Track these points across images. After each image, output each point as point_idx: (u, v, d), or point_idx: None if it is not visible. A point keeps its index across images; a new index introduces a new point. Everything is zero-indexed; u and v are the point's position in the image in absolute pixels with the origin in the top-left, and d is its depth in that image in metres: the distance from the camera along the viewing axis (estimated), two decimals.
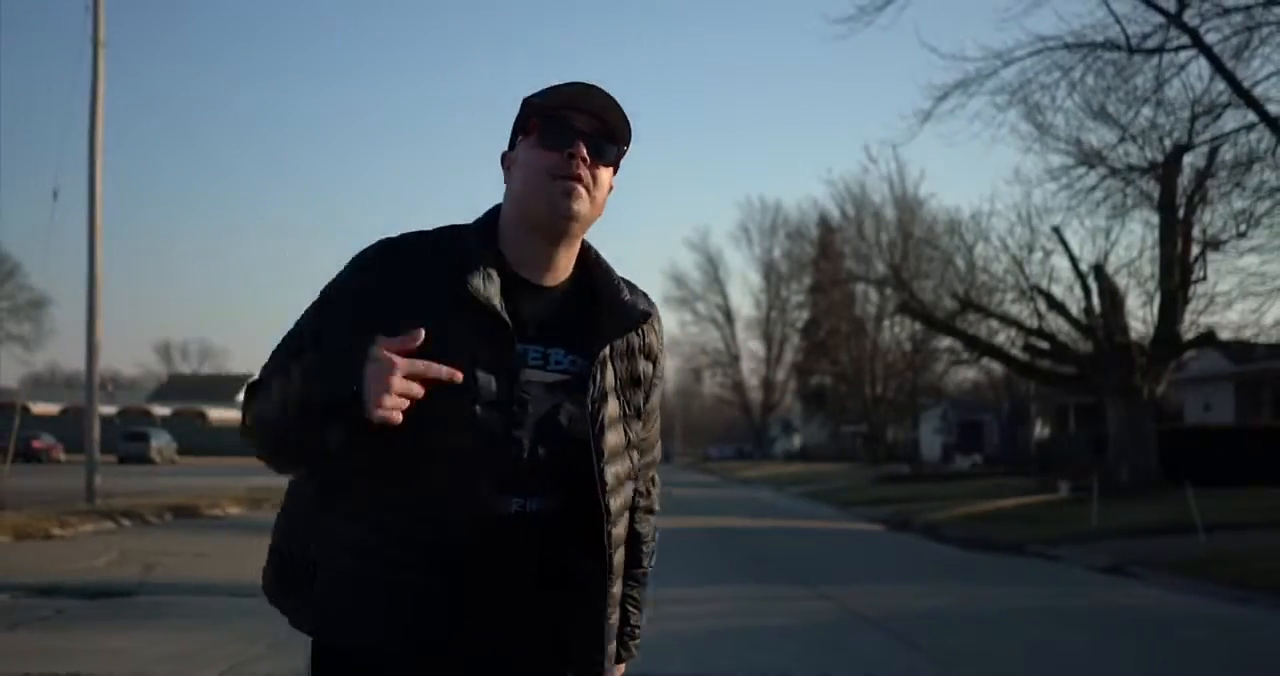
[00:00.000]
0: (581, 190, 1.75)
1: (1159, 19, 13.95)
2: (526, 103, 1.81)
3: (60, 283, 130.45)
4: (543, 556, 1.80)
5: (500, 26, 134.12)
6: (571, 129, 1.76)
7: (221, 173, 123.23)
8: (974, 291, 24.71)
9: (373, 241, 1.81)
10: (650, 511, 2.02)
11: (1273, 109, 14.64)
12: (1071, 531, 16.56)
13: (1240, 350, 25.21)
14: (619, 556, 1.88)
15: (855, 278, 43.25)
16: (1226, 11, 13.43)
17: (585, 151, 1.75)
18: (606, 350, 1.82)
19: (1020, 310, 23.54)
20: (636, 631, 2.03)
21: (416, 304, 1.71)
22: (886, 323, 50.02)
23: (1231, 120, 16.77)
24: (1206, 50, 13.83)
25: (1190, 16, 13.62)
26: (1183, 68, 14.95)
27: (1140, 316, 22.79)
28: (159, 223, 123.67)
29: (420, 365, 1.59)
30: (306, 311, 1.81)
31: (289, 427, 1.66)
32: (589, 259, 1.88)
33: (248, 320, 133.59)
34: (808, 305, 68.77)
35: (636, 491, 1.94)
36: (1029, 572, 13.07)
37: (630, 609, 1.99)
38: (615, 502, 1.83)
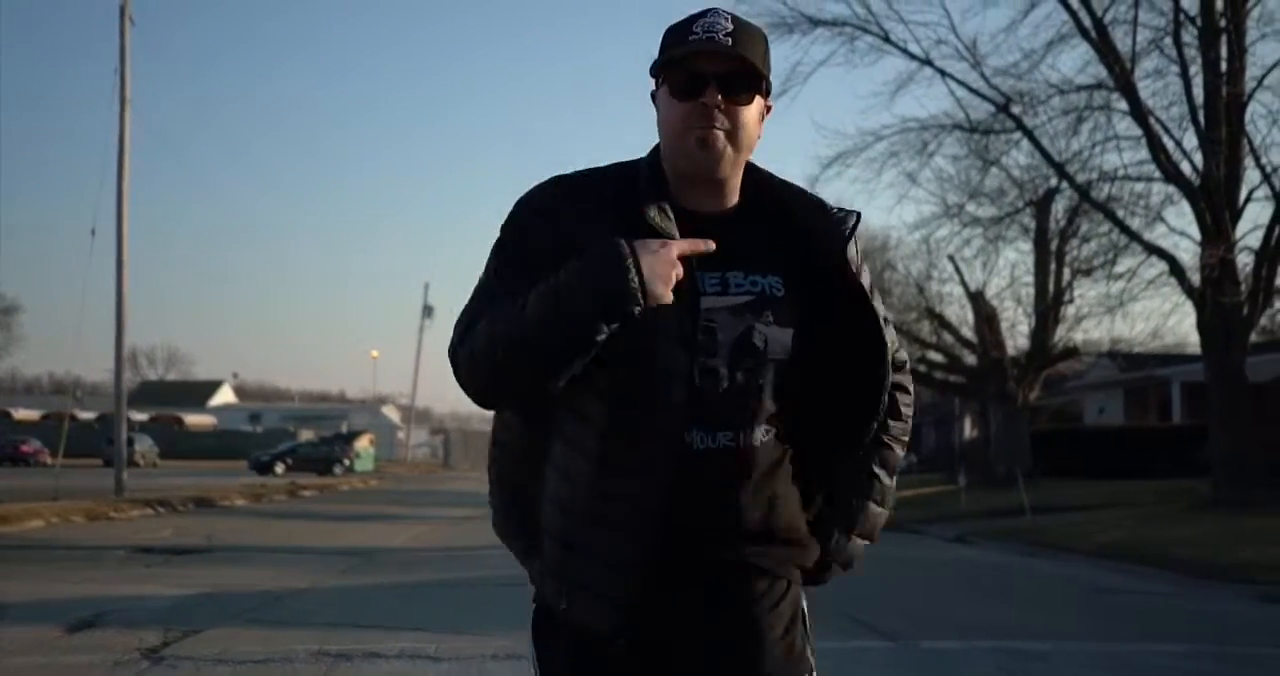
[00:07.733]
0: (719, 135, 1.67)
1: (992, 108, 17.94)
2: (663, 39, 1.74)
3: (29, 287, 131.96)
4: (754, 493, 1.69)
5: (477, 31, 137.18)
6: (701, 75, 1.67)
7: (205, 184, 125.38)
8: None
9: (544, 179, 1.75)
10: (902, 388, 1.89)
11: (1088, 174, 18.50)
12: (943, 513, 20.24)
13: (1111, 359, 29.04)
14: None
15: None
16: (1043, 101, 17.49)
17: (718, 98, 1.66)
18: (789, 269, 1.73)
19: (920, 328, 27.25)
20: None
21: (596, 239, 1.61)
22: None
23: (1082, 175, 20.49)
24: (1028, 133, 17.86)
25: (1015, 107, 17.59)
26: (1015, 145, 19.10)
27: (1023, 332, 26.53)
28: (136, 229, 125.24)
29: (685, 244, 1.63)
30: (488, 263, 1.75)
31: (539, 340, 1.58)
32: (757, 178, 1.79)
33: (212, 326, 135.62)
34: None
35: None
36: (890, 540, 16.60)
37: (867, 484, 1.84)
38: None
